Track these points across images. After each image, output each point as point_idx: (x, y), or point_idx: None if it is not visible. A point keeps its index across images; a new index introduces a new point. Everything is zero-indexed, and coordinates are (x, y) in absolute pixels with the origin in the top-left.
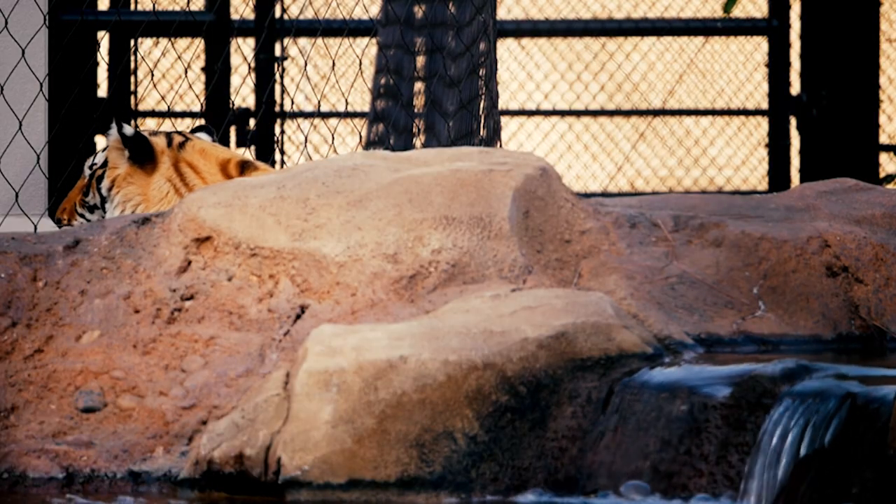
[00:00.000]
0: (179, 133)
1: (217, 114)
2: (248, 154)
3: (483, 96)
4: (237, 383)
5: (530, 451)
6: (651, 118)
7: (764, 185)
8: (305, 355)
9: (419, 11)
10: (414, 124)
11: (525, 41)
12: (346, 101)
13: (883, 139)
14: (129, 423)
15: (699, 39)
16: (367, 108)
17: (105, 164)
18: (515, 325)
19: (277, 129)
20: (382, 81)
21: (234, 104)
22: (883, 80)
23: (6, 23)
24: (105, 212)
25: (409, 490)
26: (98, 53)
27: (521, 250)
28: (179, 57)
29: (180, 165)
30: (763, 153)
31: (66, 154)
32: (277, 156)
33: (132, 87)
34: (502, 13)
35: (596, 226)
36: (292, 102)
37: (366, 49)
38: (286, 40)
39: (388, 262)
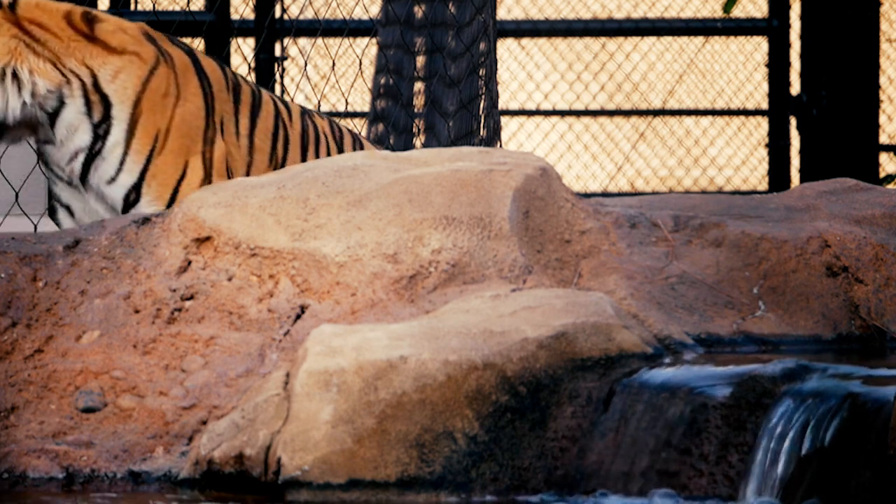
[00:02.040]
0: None
1: None
2: None
3: (483, 96)
4: (237, 383)
5: (530, 451)
6: (651, 118)
7: (764, 185)
8: (305, 355)
9: (419, 11)
10: (414, 124)
11: (525, 41)
12: (346, 101)
13: (883, 139)
14: (129, 423)
15: (699, 39)
16: (367, 108)
17: None
18: (515, 325)
19: None
20: (382, 81)
21: None
22: (883, 80)
23: None
24: None
25: (409, 490)
26: None
27: (521, 250)
28: None
29: (23, 24)
30: (763, 153)
31: None
32: None
33: None
34: (502, 13)
35: (596, 226)
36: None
37: (366, 49)
38: (286, 40)
39: (388, 262)
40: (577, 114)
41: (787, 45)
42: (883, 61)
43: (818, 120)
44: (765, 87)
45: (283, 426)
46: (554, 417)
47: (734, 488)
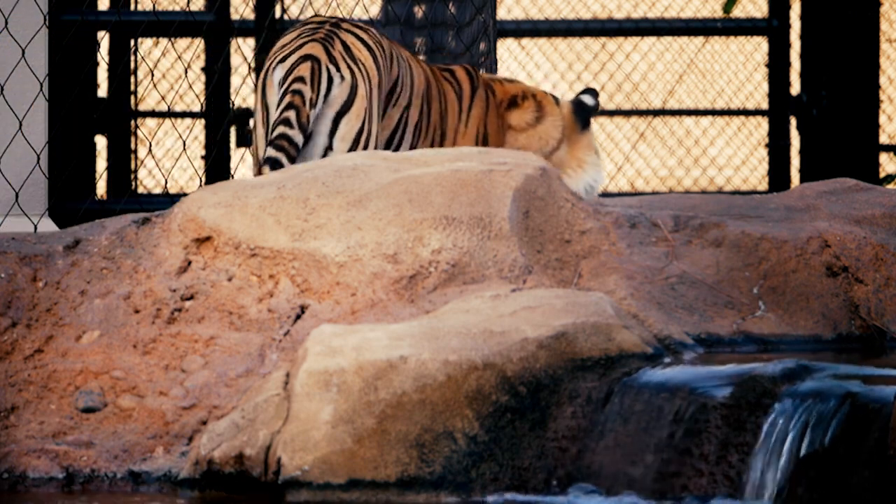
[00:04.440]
0: None
1: (217, 114)
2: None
3: None
4: (237, 383)
5: (530, 451)
6: (651, 118)
7: (764, 185)
8: (305, 355)
9: (419, 11)
10: None
11: (525, 41)
12: None
13: (883, 139)
14: (129, 423)
15: (699, 39)
16: None
17: None
18: (515, 325)
19: None
20: None
21: (234, 104)
22: (883, 80)
23: (6, 23)
24: None
25: (409, 490)
26: (98, 53)
27: (521, 250)
28: (179, 57)
29: None
30: (763, 153)
31: (66, 154)
32: None
33: (132, 87)
34: (502, 13)
35: (596, 226)
36: None
37: None
38: None
39: (388, 262)
40: None
41: (787, 45)
42: (883, 61)
43: (818, 120)
44: (765, 87)
45: (283, 426)
46: (554, 417)
47: (734, 488)
